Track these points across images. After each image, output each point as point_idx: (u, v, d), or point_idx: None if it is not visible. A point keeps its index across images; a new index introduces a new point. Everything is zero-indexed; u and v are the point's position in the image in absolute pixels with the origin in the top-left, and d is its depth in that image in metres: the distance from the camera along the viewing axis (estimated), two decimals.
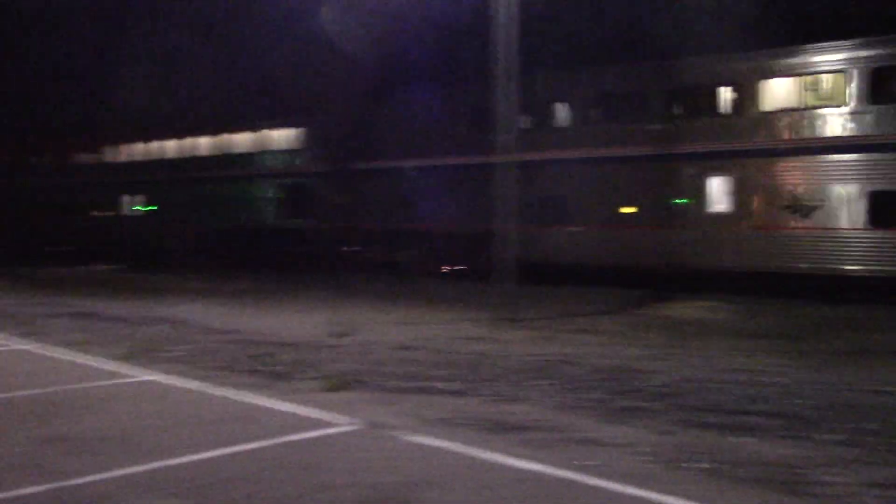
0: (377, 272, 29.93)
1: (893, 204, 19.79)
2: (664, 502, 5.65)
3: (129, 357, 11.46)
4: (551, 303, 19.83)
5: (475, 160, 26.84)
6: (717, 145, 22.45)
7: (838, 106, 20.52)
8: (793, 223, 21.09)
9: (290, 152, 35.61)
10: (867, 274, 20.26)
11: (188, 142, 40.20)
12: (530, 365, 11.24)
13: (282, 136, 36.08)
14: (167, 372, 10.39)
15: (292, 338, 13.88)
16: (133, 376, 10.10)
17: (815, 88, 21.20)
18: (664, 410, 8.49)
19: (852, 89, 20.22)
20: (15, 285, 25.25)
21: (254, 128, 37.20)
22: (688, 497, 5.73)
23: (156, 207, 41.56)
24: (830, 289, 20.64)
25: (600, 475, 6.17)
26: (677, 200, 23.14)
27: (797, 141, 21.27)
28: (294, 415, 8.10)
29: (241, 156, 37.75)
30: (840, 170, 20.73)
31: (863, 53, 20.39)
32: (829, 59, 21.01)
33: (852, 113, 20.33)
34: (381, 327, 15.32)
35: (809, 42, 21.77)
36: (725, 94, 22.53)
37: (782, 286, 21.23)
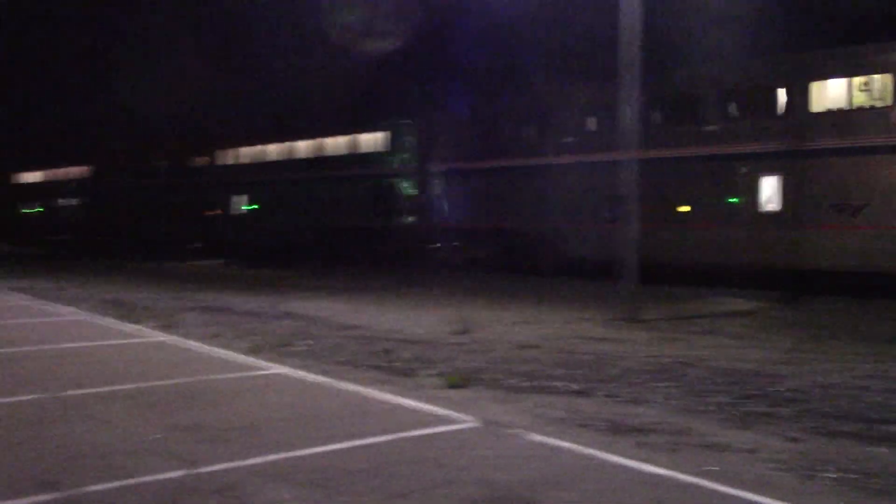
0: (479, 270, 30.46)
1: None
2: None
3: (258, 350, 11.89)
4: (671, 303, 19.44)
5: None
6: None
7: None
8: None
9: (377, 154, 37.16)
10: None
11: (286, 146, 42.62)
12: (651, 366, 11.07)
13: (370, 140, 37.76)
14: (294, 366, 10.73)
15: (413, 334, 14.10)
16: (262, 369, 10.49)
17: None
18: (791, 416, 8.21)
19: None
20: (147, 280, 26.57)
21: (345, 132, 39.17)
22: None
23: (257, 207, 43.93)
24: None
25: (725, 481, 6.03)
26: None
27: None
28: (415, 410, 8.23)
29: (332, 158, 39.71)
30: None
31: None
32: None
33: None
34: (501, 325, 15.37)
35: None
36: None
37: None
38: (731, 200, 23.66)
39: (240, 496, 5.59)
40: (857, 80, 21.39)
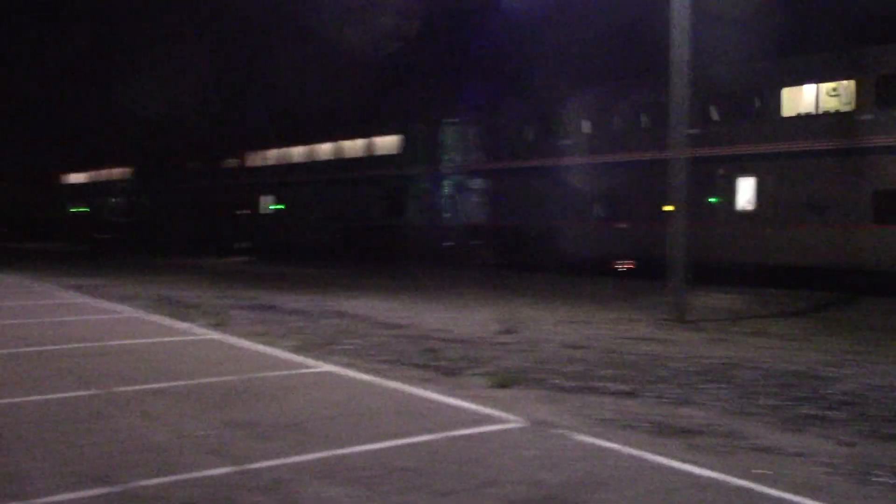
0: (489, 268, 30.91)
1: None
2: None
3: (305, 348, 11.98)
4: (720, 303, 19.20)
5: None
6: None
7: None
8: None
9: (391, 156, 39.10)
10: None
11: (308, 148, 45.30)
12: (700, 367, 10.93)
13: (385, 143, 39.77)
14: (341, 364, 10.79)
15: (458, 333, 14.10)
16: (309, 367, 10.56)
17: None
18: (845, 420, 8.05)
19: None
20: (193, 278, 26.93)
21: (362, 135, 41.34)
22: None
23: (283, 207, 46.58)
24: None
25: (775, 485, 5.93)
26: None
27: None
28: (461, 410, 8.22)
29: (350, 160, 41.94)
30: None
31: None
32: None
33: None
34: (547, 325, 15.31)
35: None
36: None
37: None
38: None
39: (286, 493, 5.63)
40: None
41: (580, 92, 30.91)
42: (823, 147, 22.88)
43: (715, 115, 26.08)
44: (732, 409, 8.48)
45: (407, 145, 38.63)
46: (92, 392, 8.80)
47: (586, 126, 30.17)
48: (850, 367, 11.00)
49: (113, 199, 68.53)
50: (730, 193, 25.18)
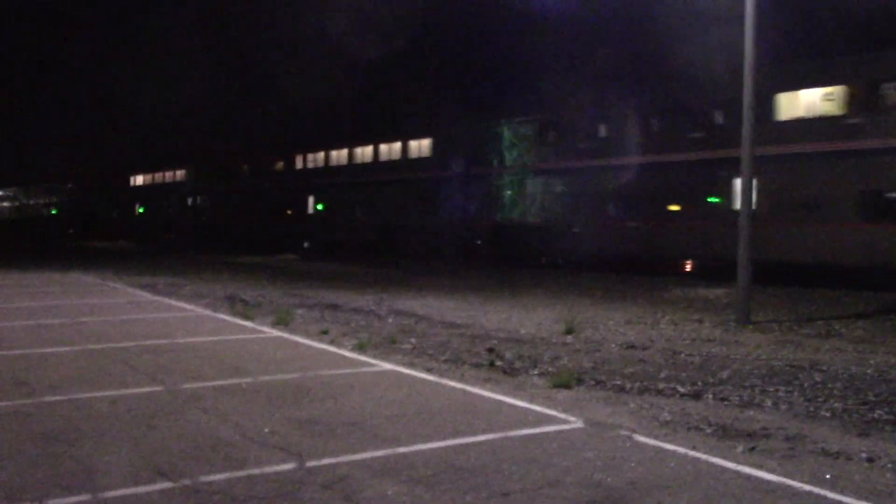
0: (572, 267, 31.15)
1: None
2: None
3: (366, 347, 12.09)
4: (785, 304, 18.81)
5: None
6: None
7: None
8: None
9: (424, 159, 41.32)
10: None
11: (346, 151, 48.41)
12: (765, 369, 10.73)
13: (418, 146, 42.07)
14: (401, 363, 10.87)
15: (518, 333, 14.08)
16: (370, 366, 10.66)
17: None
18: None
19: None
20: (255, 276, 27.35)
21: (396, 138, 43.73)
22: None
23: (325, 207, 49.72)
24: None
25: (842, 490, 5.81)
26: None
27: None
28: (521, 409, 8.22)
29: (387, 162, 44.49)
30: None
31: None
32: None
33: None
34: (607, 325, 15.19)
35: None
36: None
37: None
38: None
39: (347, 490, 5.70)
40: None
41: (640, 92, 30.79)
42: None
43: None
44: (799, 413, 8.32)
45: (437, 148, 40.52)
46: (160, 388, 9.02)
47: (646, 127, 29.96)
48: None
49: (172, 200, 71.04)
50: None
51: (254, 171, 58.83)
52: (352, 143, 47.91)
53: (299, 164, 53.31)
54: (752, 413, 8.30)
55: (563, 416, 7.97)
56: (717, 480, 6.04)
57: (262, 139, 61.16)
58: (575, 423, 7.71)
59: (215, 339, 12.86)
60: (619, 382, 9.78)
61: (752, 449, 6.92)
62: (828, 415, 8.23)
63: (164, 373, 9.88)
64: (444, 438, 7.05)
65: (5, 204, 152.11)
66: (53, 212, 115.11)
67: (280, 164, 55.78)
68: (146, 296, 19.83)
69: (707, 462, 6.48)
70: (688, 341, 13.29)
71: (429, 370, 10.39)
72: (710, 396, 9.07)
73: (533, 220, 34.83)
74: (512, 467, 6.26)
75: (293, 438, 7.01)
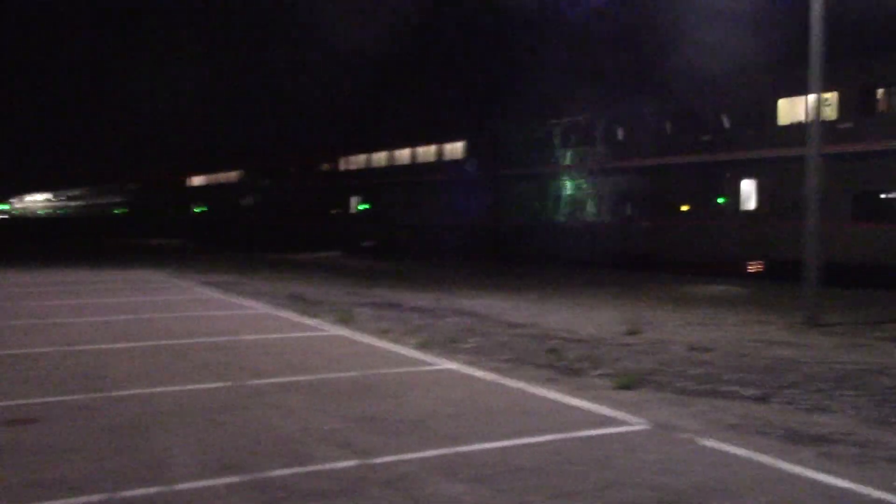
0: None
1: None
2: None
3: (427, 346, 12.13)
4: (857, 306, 18.32)
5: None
6: None
7: None
8: None
9: (456, 161, 43.36)
10: None
11: (387, 153, 51.34)
12: (834, 373, 10.47)
13: (451, 149, 44.40)
14: (462, 362, 10.88)
15: (580, 333, 13.98)
16: (431, 365, 10.70)
17: None
18: None
19: None
20: (310, 274, 27.64)
21: (432, 141, 46.09)
22: None
23: (368, 207, 52.56)
24: None
25: None
26: None
27: None
28: (583, 410, 8.17)
29: (423, 164, 46.94)
30: None
31: None
32: None
33: None
34: (672, 326, 14.99)
35: None
36: None
37: None
38: None
39: (409, 488, 5.73)
40: None
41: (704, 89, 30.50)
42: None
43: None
44: (870, 418, 8.10)
45: (469, 150, 42.68)
46: (226, 384, 9.19)
47: (718, 123, 29.66)
48: None
49: (228, 200, 75.30)
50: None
51: (301, 173, 61.79)
52: (391, 146, 50.67)
53: (343, 165, 56.16)
54: (820, 417, 8.11)
55: (625, 417, 7.89)
56: (785, 486, 5.92)
57: (309, 142, 64.86)
58: (637, 424, 7.63)
59: (278, 336, 13.04)
60: (682, 384, 9.65)
61: (821, 454, 6.76)
62: None
63: (229, 369, 10.05)
64: (506, 438, 7.04)
65: (75, 203, 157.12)
66: (120, 211, 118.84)
67: (325, 166, 58.55)
68: (211, 293, 20.19)
69: (773, 467, 6.36)
70: (754, 343, 13.04)
71: (490, 370, 10.39)
72: (777, 400, 8.89)
73: (596, 219, 34.55)
74: (574, 468, 6.22)
75: (355, 436, 7.08)
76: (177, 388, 8.96)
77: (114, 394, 8.62)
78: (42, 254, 39.96)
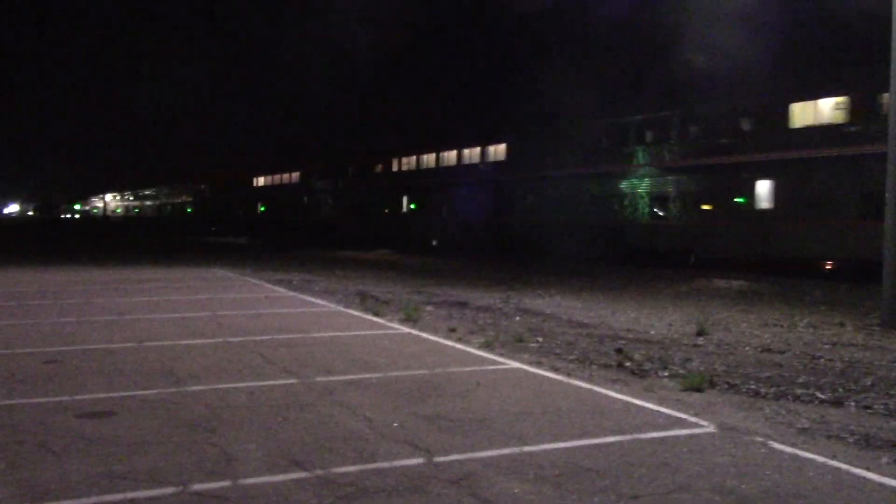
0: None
1: None
2: None
3: (492, 345, 12.14)
4: None
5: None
6: None
7: None
8: None
9: (499, 162, 45.58)
10: None
11: (433, 155, 53.76)
12: None
13: (493, 151, 46.71)
14: (527, 362, 10.87)
15: (647, 334, 13.83)
16: (496, 364, 10.70)
17: None
18: None
19: None
20: (383, 273, 27.85)
21: (475, 144, 48.32)
22: None
23: (417, 207, 55.25)
24: None
25: None
26: None
27: None
28: (651, 412, 8.08)
29: (467, 165, 49.34)
30: None
31: None
32: None
33: None
34: (741, 327, 14.73)
35: None
36: None
37: None
38: None
39: (474, 487, 5.75)
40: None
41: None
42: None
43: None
44: None
45: (511, 152, 44.45)
46: (295, 381, 9.34)
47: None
48: None
49: (289, 200, 78.53)
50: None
51: (356, 174, 64.54)
52: (438, 148, 53.27)
53: (395, 167, 58.54)
54: None
55: (694, 419, 7.79)
56: (860, 492, 5.78)
57: (363, 144, 67.50)
58: (707, 427, 7.53)
59: (347, 334, 13.19)
60: (753, 387, 9.47)
61: None
62: None
63: (299, 366, 10.21)
64: (572, 438, 7.02)
65: (148, 203, 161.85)
66: (190, 210, 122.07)
67: (379, 167, 61.08)
68: (281, 291, 20.52)
69: (848, 472, 6.21)
70: (828, 345, 12.73)
71: (556, 369, 10.35)
72: (853, 404, 8.67)
73: (668, 219, 34.11)
74: (641, 470, 6.17)
75: (421, 434, 7.13)
76: (247, 383, 9.14)
77: (186, 389, 8.84)
78: (117, 252, 41.14)
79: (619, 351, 11.87)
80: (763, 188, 29.96)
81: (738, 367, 10.73)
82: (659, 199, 34.92)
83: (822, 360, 11.33)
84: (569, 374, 10.02)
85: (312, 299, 18.57)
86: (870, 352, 12.13)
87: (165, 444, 6.73)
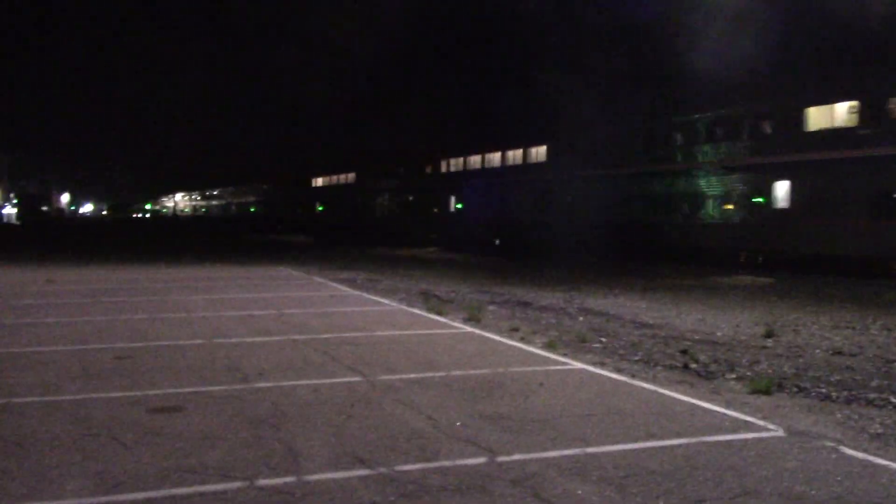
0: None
1: None
2: None
3: (555, 346, 12.08)
4: None
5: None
6: None
7: None
8: None
9: (540, 164, 47.84)
10: None
11: (477, 157, 56.34)
12: None
13: (535, 152, 48.79)
14: (590, 362, 10.79)
15: (713, 335, 13.62)
16: (559, 364, 10.65)
17: None
18: None
19: None
20: (445, 272, 27.89)
21: (517, 146, 50.46)
22: None
23: (462, 206, 57.25)
24: None
25: None
26: None
27: None
28: (716, 414, 7.96)
29: (510, 166, 51.55)
30: None
31: None
32: None
33: None
34: (811, 329, 14.39)
35: None
36: None
37: None
38: None
39: (536, 487, 5.74)
40: None
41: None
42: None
43: None
44: None
45: (550, 154, 46.61)
46: (359, 379, 9.43)
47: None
48: None
49: (345, 200, 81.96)
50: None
51: (407, 174, 67.06)
52: (482, 150, 55.64)
53: (443, 167, 61.17)
54: None
55: (761, 423, 7.65)
56: None
57: (417, 146, 68.99)
58: (775, 431, 7.38)
59: (410, 333, 13.26)
60: (823, 390, 9.26)
61: None
62: None
63: (363, 364, 10.30)
64: (635, 440, 6.95)
65: (215, 202, 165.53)
66: (254, 209, 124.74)
67: (429, 168, 63.53)
68: (346, 290, 20.73)
69: None
70: None
71: (619, 370, 10.26)
72: None
73: (731, 217, 33.59)
74: (706, 474, 6.08)
75: (484, 433, 7.14)
76: (312, 381, 9.26)
77: (253, 385, 8.99)
78: (186, 250, 42.03)
79: (684, 352, 11.71)
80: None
81: (807, 370, 10.50)
82: (710, 197, 34.64)
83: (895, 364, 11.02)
84: (633, 376, 9.92)
85: (376, 298, 18.72)
86: None
87: (232, 439, 6.86)
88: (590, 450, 6.65)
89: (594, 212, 40.42)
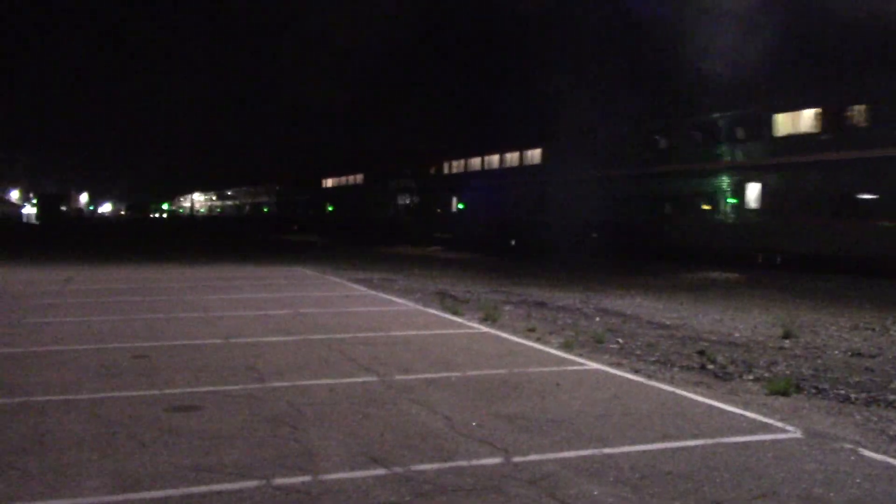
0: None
1: None
2: None
3: (571, 346, 12.05)
4: None
5: None
6: None
7: None
8: None
9: (537, 165, 48.82)
10: None
11: (477, 159, 57.36)
12: None
13: (532, 154, 49.85)
14: (607, 363, 10.76)
15: (731, 336, 13.55)
16: (576, 364, 10.62)
17: None
18: None
19: None
20: (460, 272, 27.88)
21: (515, 148, 51.74)
22: None
23: (464, 207, 58.35)
24: None
25: None
26: None
27: None
28: (734, 416, 7.92)
29: (508, 168, 52.41)
30: None
31: None
32: None
33: None
34: (829, 330, 14.29)
35: None
36: None
37: None
38: None
39: (552, 488, 5.73)
40: None
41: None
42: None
43: None
44: None
45: (545, 156, 47.80)
46: (375, 378, 9.44)
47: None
48: None
49: (353, 200, 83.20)
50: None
51: (411, 175, 68.16)
52: (482, 152, 56.67)
53: (446, 169, 62.59)
54: None
55: (779, 424, 7.60)
56: None
57: (417, 146, 71.15)
58: (793, 432, 7.33)
59: (426, 333, 13.27)
60: (842, 392, 9.19)
61: None
62: None
63: (378, 364, 10.32)
64: (652, 441, 6.92)
65: (230, 203, 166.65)
66: (267, 210, 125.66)
67: (433, 170, 64.77)
68: (362, 290, 20.76)
69: None
70: None
71: (636, 371, 10.23)
72: None
73: (749, 217, 33.43)
74: (724, 475, 6.05)
75: (500, 433, 7.13)
76: (328, 381, 9.28)
77: (269, 385, 9.02)
78: (203, 250, 42.22)
79: (701, 353, 11.66)
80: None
81: (826, 372, 10.43)
82: (724, 196, 34.67)
83: None
84: (650, 376, 9.89)
85: (392, 298, 18.73)
86: None
87: (249, 438, 6.89)
88: (606, 450, 6.63)
89: (590, 212, 41.33)
